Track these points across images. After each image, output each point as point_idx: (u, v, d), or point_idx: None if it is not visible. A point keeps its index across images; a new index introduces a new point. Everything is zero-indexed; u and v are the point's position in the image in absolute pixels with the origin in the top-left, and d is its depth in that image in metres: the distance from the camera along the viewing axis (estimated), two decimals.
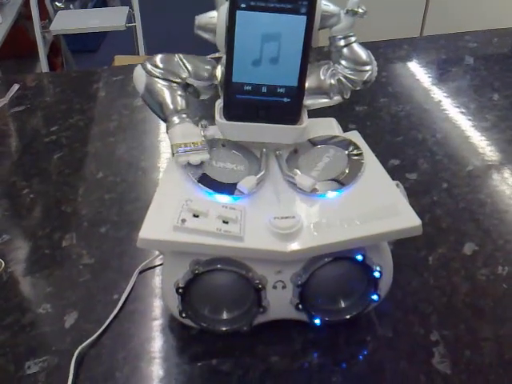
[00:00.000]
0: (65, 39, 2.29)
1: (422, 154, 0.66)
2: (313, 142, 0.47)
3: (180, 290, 0.40)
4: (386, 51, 0.92)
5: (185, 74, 0.45)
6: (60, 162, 0.68)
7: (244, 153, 0.46)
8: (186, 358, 0.44)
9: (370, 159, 0.45)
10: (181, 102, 0.44)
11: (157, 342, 0.45)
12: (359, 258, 0.40)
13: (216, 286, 0.42)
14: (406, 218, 0.40)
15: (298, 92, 0.43)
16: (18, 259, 0.54)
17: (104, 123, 0.76)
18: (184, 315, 0.42)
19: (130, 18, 1.93)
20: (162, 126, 0.45)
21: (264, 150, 0.46)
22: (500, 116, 0.73)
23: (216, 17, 0.42)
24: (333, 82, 0.45)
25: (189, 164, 0.43)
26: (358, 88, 0.45)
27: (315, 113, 0.46)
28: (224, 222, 0.39)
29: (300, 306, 0.42)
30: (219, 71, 0.45)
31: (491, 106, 0.75)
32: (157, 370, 0.43)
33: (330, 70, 0.45)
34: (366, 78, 0.45)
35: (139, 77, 0.45)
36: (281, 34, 0.41)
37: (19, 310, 0.48)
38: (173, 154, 0.43)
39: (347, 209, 0.41)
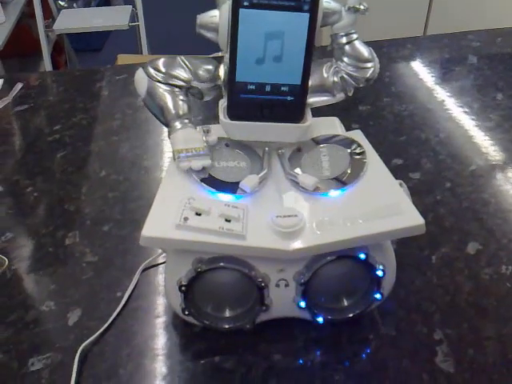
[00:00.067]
0: (68, 38, 2.29)
1: (426, 153, 0.66)
2: (316, 141, 0.47)
3: (183, 288, 0.40)
4: (390, 50, 0.92)
5: (189, 77, 0.44)
6: (63, 161, 0.68)
7: (246, 152, 0.46)
8: (189, 355, 0.44)
9: (372, 158, 0.45)
10: (183, 107, 0.44)
11: (160, 340, 0.45)
12: (362, 256, 0.40)
13: (219, 284, 0.42)
14: (409, 217, 0.40)
15: (301, 90, 0.43)
16: (21, 257, 0.54)
17: (107, 122, 0.76)
18: (187, 313, 0.42)
19: (134, 17, 1.94)
20: None
21: (266, 148, 0.46)
22: (504, 116, 0.72)
23: (218, 15, 0.42)
24: (336, 79, 0.45)
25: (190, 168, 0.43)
26: (361, 85, 0.45)
27: (318, 112, 0.46)
28: (226, 220, 0.39)
29: (303, 305, 0.42)
30: (222, 71, 0.44)
31: (495, 105, 0.75)
32: (160, 367, 0.43)
33: (332, 68, 0.45)
34: (368, 75, 0.45)
35: (141, 80, 0.45)
36: (284, 32, 0.41)
37: (23, 307, 0.48)
38: (174, 160, 0.43)
39: (350, 207, 0.41)
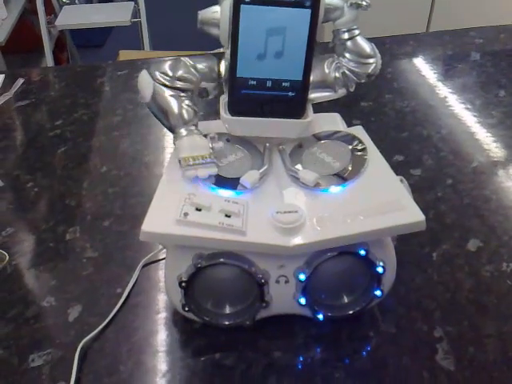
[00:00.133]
0: (70, 34, 2.29)
1: (427, 149, 0.66)
2: (317, 137, 0.47)
3: (183, 284, 0.40)
4: (392, 47, 0.91)
5: (197, 79, 0.44)
6: (64, 156, 0.68)
7: (247, 147, 0.46)
8: (189, 351, 0.44)
9: (373, 154, 0.45)
10: (188, 113, 0.43)
11: (160, 336, 0.45)
12: (362, 253, 0.40)
13: (219, 280, 0.42)
14: (409, 213, 0.40)
15: (302, 86, 0.43)
16: (22, 252, 0.54)
17: (108, 117, 0.76)
18: (187, 309, 0.42)
19: (136, 13, 1.93)
20: None
21: (267, 144, 0.46)
22: (506, 112, 0.72)
23: (219, 11, 0.41)
24: (337, 75, 0.45)
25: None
26: (362, 81, 0.45)
27: (320, 108, 0.46)
28: (226, 215, 0.39)
29: (303, 301, 0.42)
30: (223, 66, 0.44)
31: (497, 102, 0.75)
32: (160, 363, 0.43)
33: (334, 64, 0.45)
34: (370, 70, 0.45)
35: (146, 85, 0.44)
36: (285, 27, 0.40)
37: (23, 302, 0.48)
38: (181, 167, 0.42)
39: (350, 204, 0.41)
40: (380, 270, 0.41)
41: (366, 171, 0.43)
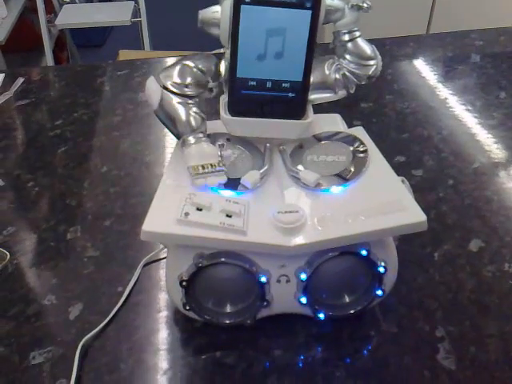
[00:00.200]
0: (70, 33, 2.29)
1: (428, 150, 0.66)
2: (318, 138, 0.47)
3: (184, 283, 0.40)
4: (392, 48, 0.91)
5: (205, 82, 0.44)
6: (65, 156, 0.68)
7: (248, 147, 0.46)
8: (190, 350, 0.44)
9: (374, 155, 0.45)
10: (196, 121, 0.43)
11: (161, 334, 0.45)
12: (364, 253, 0.40)
13: (220, 280, 0.42)
14: (411, 214, 0.40)
15: (302, 87, 0.43)
16: (23, 251, 0.54)
17: (108, 117, 0.76)
18: (188, 308, 0.42)
19: (136, 12, 1.94)
20: None
21: (268, 144, 0.46)
22: (507, 114, 0.72)
23: (220, 11, 0.41)
24: (337, 76, 0.45)
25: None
26: (362, 83, 0.45)
27: (320, 109, 0.46)
28: (227, 215, 0.39)
29: (304, 301, 0.42)
30: (223, 67, 0.44)
31: (498, 103, 0.75)
32: (161, 361, 0.43)
33: (334, 65, 0.45)
34: (370, 72, 0.45)
35: (153, 92, 0.43)
36: (286, 28, 0.40)
37: (24, 300, 0.48)
38: (190, 175, 0.42)
39: (352, 204, 0.41)
40: (381, 269, 0.41)
41: (367, 172, 0.43)
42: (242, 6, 0.39)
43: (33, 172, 0.65)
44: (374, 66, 0.45)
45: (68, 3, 2.15)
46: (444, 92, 0.78)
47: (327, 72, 0.45)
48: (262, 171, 0.43)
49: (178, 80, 0.43)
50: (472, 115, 0.73)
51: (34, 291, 0.49)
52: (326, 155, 0.45)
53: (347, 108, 0.71)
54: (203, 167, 0.42)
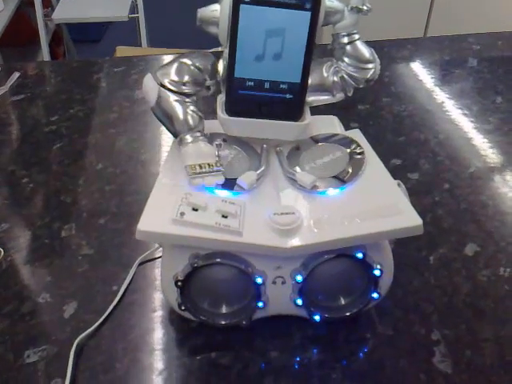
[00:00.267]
0: (67, 28, 2.28)
1: (424, 154, 0.66)
2: (315, 140, 0.47)
3: (179, 283, 0.40)
4: (390, 50, 0.92)
5: (202, 80, 0.43)
6: (60, 152, 0.68)
7: (244, 148, 0.45)
8: (185, 350, 0.44)
9: (371, 158, 0.45)
10: (193, 119, 0.43)
11: (156, 334, 0.45)
12: (359, 255, 0.40)
13: (215, 280, 0.42)
14: (407, 217, 0.40)
15: (300, 88, 0.43)
16: (17, 248, 0.53)
17: (104, 114, 0.76)
18: (183, 308, 0.42)
19: (133, 8, 1.93)
20: None
21: (264, 145, 0.46)
22: (503, 119, 0.73)
23: (219, 10, 0.41)
24: (336, 79, 0.45)
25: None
26: (360, 86, 0.45)
27: (317, 111, 0.46)
28: (223, 216, 0.39)
29: (299, 302, 0.42)
30: (221, 66, 0.44)
31: (494, 108, 0.75)
32: (156, 361, 0.43)
33: (332, 67, 0.45)
34: (369, 76, 0.45)
35: (151, 90, 0.43)
36: (285, 29, 0.40)
37: (18, 298, 0.48)
38: (188, 174, 0.42)
39: (348, 206, 0.41)
40: (377, 272, 0.41)
41: (363, 174, 0.43)
42: (242, 6, 0.39)
43: (27, 168, 0.65)
44: (373, 70, 0.45)
45: None
46: (441, 96, 0.79)
47: (325, 74, 0.45)
48: (258, 172, 0.43)
49: (175, 78, 0.43)
50: (468, 119, 0.73)
51: (28, 289, 0.49)
52: (322, 157, 0.45)
53: (344, 110, 0.71)
54: (201, 167, 0.41)
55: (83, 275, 0.50)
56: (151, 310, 0.47)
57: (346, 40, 0.44)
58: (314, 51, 0.41)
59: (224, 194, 0.41)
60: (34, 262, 0.52)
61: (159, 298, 0.48)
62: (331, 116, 0.51)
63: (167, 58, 0.89)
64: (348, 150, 0.46)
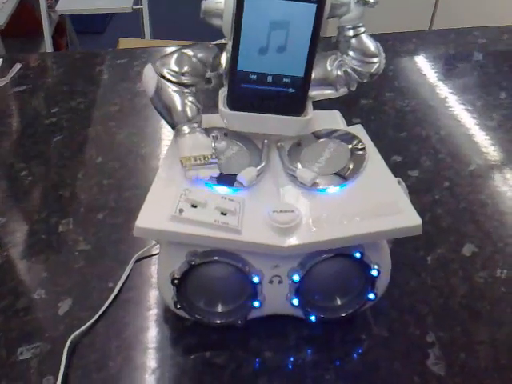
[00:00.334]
0: (70, 19, 2.27)
1: (425, 151, 0.65)
2: (316, 135, 0.47)
3: (175, 281, 0.40)
4: (395, 44, 0.91)
5: (203, 71, 0.43)
6: (60, 145, 0.67)
7: (245, 143, 0.45)
8: (179, 349, 0.44)
9: (372, 155, 0.45)
10: (192, 110, 0.42)
11: (151, 332, 0.45)
12: (357, 255, 0.40)
13: (212, 279, 0.41)
14: (406, 217, 0.39)
15: (303, 83, 0.42)
16: (13, 242, 0.53)
17: (105, 107, 0.75)
18: (179, 306, 0.42)
19: (137, 0, 1.92)
20: None
21: (266, 141, 0.45)
22: (506, 115, 0.72)
23: (223, 2, 0.40)
24: (339, 73, 0.44)
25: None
26: (364, 80, 0.44)
27: (320, 105, 0.46)
28: (222, 213, 0.39)
29: (296, 302, 0.42)
30: (224, 58, 0.43)
31: (498, 104, 0.74)
32: (150, 360, 0.43)
33: (337, 61, 0.44)
34: (373, 70, 0.44)
35: (150, 80, 0.43)
36: (289, 22, 0.39)
37: (13, 294, 0.48)
38: (182, 166, 0.41)
39: (347, 205, 0.40)
40: (374, 273, 0.41)
41: (364, 172, 0.43)
42: None
43: (26, 161, 0.65)
44: (377, 64, 0.44)
45: None
46: (444, 91, 0.78)
47: (329, 68, 0.44)
48: (258, 168, 0.42)
49: (175, 68, 0.42)
50: (471, 115, 0.72)
51: (23, 284, 0.49)
52: (323, 153, 0.45)
53: (346, 105, 0.71)
54: (195, 159, 0.41)
55: (79, 271, 0.50)
56: (146, 307, 0.47)
57: (351, 33, 0.43)
58: (318, 45, 0.41)
59: (224, 189, 0.41)
60: (30, 257, 0.51)
61: (154, 296, 0.47)
62: (333, 111, 0.51)
63: (170, 50, 0.88)
64: (349, 146, 0.45)
